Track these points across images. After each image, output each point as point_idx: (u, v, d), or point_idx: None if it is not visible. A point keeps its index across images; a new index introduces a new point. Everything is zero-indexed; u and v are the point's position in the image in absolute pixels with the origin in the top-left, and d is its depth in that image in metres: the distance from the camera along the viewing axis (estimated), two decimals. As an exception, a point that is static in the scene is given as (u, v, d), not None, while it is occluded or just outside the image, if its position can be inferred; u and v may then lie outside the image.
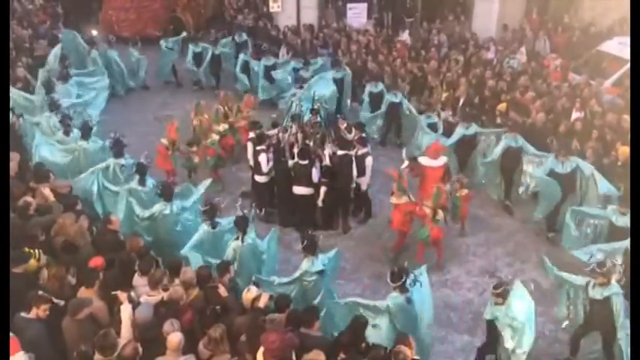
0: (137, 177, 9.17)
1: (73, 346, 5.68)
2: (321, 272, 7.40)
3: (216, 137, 11.39)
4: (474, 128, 11.44)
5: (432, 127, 12.19)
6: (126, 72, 15.97)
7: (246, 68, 15.63)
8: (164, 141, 10.84)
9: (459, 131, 11.39)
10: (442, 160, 10.07)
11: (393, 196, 9.33)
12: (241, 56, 15.73)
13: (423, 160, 10.09)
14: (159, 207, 8.47)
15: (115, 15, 19.48)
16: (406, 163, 10.05)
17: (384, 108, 13.15)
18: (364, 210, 10.87)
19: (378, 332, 6.60)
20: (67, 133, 10.60)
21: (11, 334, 5.45)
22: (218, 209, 8.16)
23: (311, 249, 7.42)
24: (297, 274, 7.43)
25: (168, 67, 16.62)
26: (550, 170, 9.74)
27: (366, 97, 13.63)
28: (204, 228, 8.06)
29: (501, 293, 6.80)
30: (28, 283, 6.42)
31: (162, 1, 19.97)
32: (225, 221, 8.16)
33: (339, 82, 14.04)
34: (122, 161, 9.64)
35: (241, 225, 7.72)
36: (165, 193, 8.50)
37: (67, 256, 6.91)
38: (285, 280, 7.50)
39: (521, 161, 10.55)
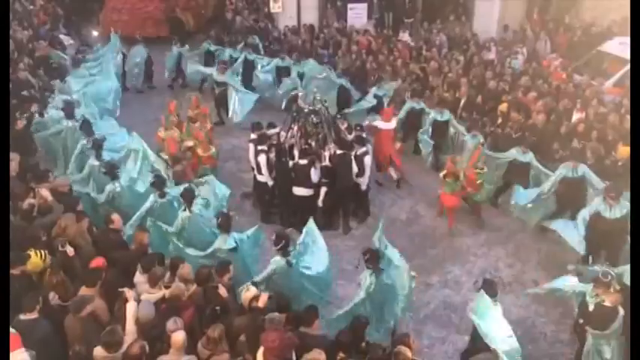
0: (94, 152, 9.61)
1: (75, 344, 5.71)
2: (233, 249, 7.65)
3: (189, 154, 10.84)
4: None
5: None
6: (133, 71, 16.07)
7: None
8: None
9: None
10: (393, 123, 11.77)
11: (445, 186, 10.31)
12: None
13: (379, 124, 11.61)
14: (110, 187, 8.94)
15: (107, 16, 19.47)
16: (366, 122, 11.87)
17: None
18: (363, 209, 10.87)
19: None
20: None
21: (12, 330, 5.46)
22: (165, 183, 8.79)
23: (225, 227, 7.78)
24: (209, 249, 7.79)
25: (171, 64, 16.66)
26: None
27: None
28: (152, 198, 8.59)
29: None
30: (30, 283, 6.44)
31: (159, 2, 19.77)
32: (175, 191, 8.73)
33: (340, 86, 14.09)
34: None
35: (187, 197, 8.22)
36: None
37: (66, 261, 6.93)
38: (201, 253, 7.81)
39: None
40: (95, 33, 18.34)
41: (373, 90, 13.66)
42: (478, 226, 10.63)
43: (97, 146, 9.67)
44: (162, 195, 8.58)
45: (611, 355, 6.68)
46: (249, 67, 15.30)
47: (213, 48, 16.31)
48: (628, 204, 7.98)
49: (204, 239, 8.12)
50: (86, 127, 10.41)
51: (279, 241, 7.42)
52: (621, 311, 6.53)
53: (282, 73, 15.05)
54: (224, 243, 7.69)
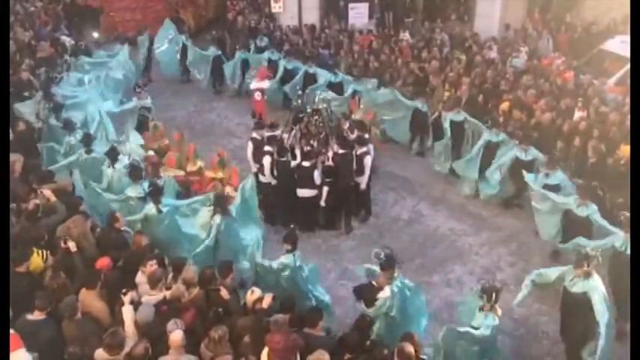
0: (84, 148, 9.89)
1: (69, 345, 5.69)
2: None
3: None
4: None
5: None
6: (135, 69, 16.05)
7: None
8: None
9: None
10: (266, 83, 13.80)
11: None
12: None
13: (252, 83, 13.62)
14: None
15: (119, 15, 19.56)
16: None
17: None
18: (364, 209, 10.90)
19: None
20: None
21: (12, 331, 5.48)
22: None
23: (135, 177, 8.69)
24: (122, 196, 8.66)
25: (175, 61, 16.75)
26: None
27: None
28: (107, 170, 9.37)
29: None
30: (31, 283, 6.45)
31: (165, 2, 20.07)
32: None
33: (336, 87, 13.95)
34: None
35: (155, 194, 8.36)
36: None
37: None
38: (114, 197, 8.72)
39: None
40: (95, 34, 18.34)
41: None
42: None
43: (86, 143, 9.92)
44: (89, 152, 9.73)
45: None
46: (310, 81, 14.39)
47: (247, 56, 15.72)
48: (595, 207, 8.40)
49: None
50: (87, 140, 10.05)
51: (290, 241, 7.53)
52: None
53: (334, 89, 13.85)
54: (135, 191, 8.58)
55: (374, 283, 6.93)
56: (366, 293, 6.92)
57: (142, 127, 12.06)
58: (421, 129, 12.79)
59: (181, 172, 10.43)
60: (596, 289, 6.69)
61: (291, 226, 8.32)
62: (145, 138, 11.21)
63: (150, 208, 8.24)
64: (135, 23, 19.21)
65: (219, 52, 15.93)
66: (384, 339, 6.58)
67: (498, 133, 10.82)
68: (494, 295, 6.57)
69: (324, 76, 14.26)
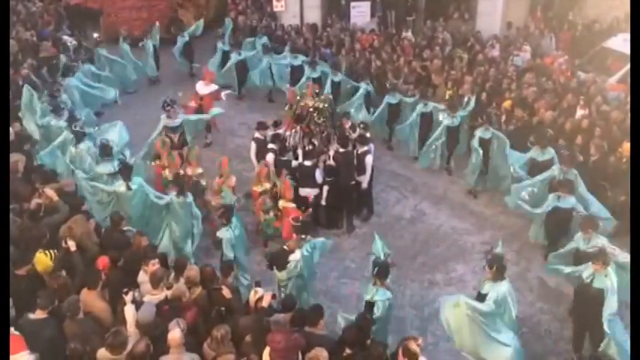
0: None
1: (71, 343, 5.71)
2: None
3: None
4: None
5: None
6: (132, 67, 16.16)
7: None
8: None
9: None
10: (214, 86, 13.17)
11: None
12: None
13: (200, 88, 13.06)
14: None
15: (123, 15, 19.54)
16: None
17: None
18: (366, 208, 10.90)
19: None
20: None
21: (17, 333, 5.49)
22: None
23: (125, 175, 8.88)
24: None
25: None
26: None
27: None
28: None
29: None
30: (32, 283, 6.47)
31: (167, 1, 20.10)
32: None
33: (335, 86, 13.90)
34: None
35: (125, 172, 8.89)
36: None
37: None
38: (84, 175, 9.16)
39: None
40: (95, 35, 18.32)
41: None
42: None
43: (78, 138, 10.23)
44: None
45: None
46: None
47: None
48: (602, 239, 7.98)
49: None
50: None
51: None
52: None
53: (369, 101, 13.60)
54: (105, 169, 8.99)
55: (285, 247, 7.76)
56: (278, 259, 7.66)
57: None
58: (453, 145, 12.17)
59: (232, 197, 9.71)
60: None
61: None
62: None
63: (119, 185, 8.86)
64: (141, 22, 19.19)
65: (242, 57, 15.61)
66: (295, 297, 7.13)
67: (544, 150, 10.18)
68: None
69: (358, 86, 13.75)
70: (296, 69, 15.09)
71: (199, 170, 10.46)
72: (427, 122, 12.37)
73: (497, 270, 6.96)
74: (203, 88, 13.28)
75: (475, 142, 11.19)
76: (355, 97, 13.42)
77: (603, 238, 7.84)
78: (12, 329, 5.53)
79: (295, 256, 7.54)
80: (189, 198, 8.84)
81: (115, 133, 11.02)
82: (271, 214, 9.58)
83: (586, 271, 7.23)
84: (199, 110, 12.76)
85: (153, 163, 10.64)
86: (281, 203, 9.63)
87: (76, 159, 9.92)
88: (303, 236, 7.77)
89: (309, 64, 14.61)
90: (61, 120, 11.09)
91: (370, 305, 6.89)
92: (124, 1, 19.74)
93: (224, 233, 8.21)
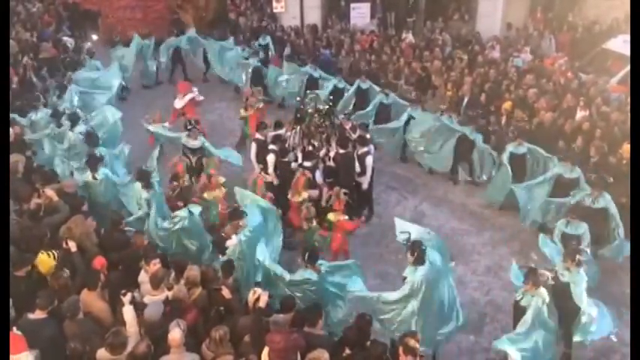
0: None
1: (71, 342, 5.71)
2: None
3: None
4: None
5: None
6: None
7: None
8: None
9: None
10: (189, 95, 12.68)
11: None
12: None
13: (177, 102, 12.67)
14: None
15: (117, 15, 19.42)
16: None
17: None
18: (367, 209, 10.88)
19: None
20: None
21: (18, 332, 5.49)
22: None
23: (144, 180, 8.78)
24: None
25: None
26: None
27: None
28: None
29: None
30: (32, 283, 6.48)
31: (165, 2, 19.90)
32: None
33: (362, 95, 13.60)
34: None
35: (92, 164, 9.29)
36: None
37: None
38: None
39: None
40: (94, 37, 18.33)
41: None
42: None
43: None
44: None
45: None
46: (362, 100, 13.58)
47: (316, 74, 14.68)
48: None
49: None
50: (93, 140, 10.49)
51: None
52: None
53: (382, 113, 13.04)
54: (141, 193, 8.62)
55: (222, 234, 8.00)
56: (217, 245, 8.04)
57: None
58: (467, 157, 11.77)
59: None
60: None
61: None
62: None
63: (87, 176, 9.31)
64: (135, 22, 18.95)
65: (259, 63, 15.43)
66: (242, 281, 7.47)
67: (573, 168, 9.73)
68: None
69: (377, 95, 13.23)
70: (314, 81, 14.49)
71: (218, 193, 9.92)
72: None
73: (418, 256, 7.08)
74: (179, 102, 12.83)
75: (505, 158, 10.71)
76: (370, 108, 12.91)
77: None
78: (14, 329, 5.53)
79: (232, 242, 7.73)
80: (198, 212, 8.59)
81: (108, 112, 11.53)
82: (314, 222, 9.23)
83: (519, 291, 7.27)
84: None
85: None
86: (333, 216, 9.22)
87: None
88: (241, 223, 7.88)
89: (334, 75, 14.36)
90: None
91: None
92: (119, 0, 19.55)
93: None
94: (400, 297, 6.98)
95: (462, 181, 12.04)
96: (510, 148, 10.72)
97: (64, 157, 10.51)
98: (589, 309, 6.99)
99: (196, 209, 8.36)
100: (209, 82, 16.86)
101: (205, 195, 9.64)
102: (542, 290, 6.92)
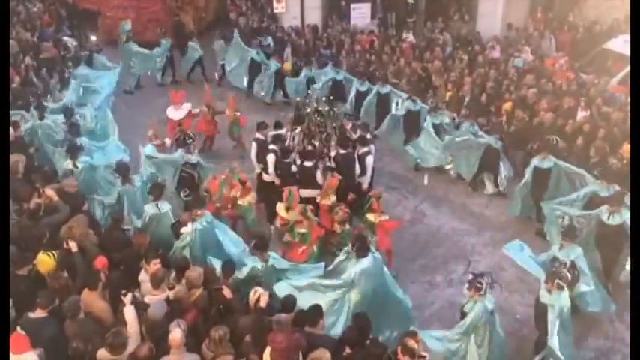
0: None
1: (73, 342, 5.72)
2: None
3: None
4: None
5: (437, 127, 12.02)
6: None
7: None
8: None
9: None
10: (186, 106, 12.38)
11: None
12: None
13: (170, 113, 12.34)
14: None
15: (113, 14, 19.25)
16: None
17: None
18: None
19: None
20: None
21: (22, 332, 5.49)
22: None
23: (156, 195, 8.58)
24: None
25: (189, 64, 16.80)
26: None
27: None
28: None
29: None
30: (33, 282, 6.48)
31: (162, 4, 19.59)
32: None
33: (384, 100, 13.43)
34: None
35: (73, 152, 9.60)
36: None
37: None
38: None
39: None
40: (93, 38, 18.29)
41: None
42: None
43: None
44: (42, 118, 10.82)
45: None
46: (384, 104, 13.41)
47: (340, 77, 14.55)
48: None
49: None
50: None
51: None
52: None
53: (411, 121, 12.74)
54: (154, 209, 8.43)
55: (179, 220, 8.24)
56: (175, 229, 8.23)
57: (185, 184, 10.18)
58: (492, 166, 11.45)
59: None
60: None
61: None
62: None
63: (67, 164, 9.60)
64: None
65: (279, 66, 15.39)
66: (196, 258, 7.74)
67: (609, 186, 9.12)
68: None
69: (398, 99, 13.20)
70: (338, 84, 14.28)
71: (250, 198, 9.97)
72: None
73: (359, 248, 7.44)
74: (175, 113, 12.43)
75: (528, 172, 10.33)
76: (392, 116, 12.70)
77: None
78: (18, 328, 5.54)
79: (186, 229, 7.94)
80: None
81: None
82: (347, 225, 9.17)
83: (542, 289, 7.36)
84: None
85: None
86: (373, 217, 9.10)
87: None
88: (199, 212, 8.09)
89: (358, 78, 13.95)
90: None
91: None
92: (113, 0, 19.42)
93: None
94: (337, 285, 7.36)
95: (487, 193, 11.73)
96: (535, 161, 10.18)
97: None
98: (552, 341, 6.79)
99: (166, 206, 8.53)
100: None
101: (240, 202, 9.73)
102: (488, 297, 6.97)
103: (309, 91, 12.64)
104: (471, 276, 7.07)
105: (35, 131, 10.88)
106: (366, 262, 7.36)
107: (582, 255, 7.87)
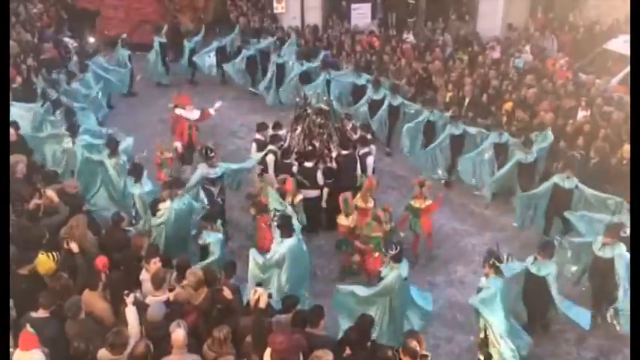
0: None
1: (74, 341, 5.74)
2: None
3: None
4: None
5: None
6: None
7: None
8: None
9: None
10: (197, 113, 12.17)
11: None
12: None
13: (182, 112, 12.12)
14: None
15: (103, 14, 19.13)
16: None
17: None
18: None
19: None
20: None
21: (31, 330, 5.50)
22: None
23: (137, 175, 9.19)
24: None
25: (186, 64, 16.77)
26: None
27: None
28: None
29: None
30: (34, 283, 6.49)
31: (156, 6, 19.26)
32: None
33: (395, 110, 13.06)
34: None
35: (71, 130, 10.25)
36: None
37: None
38: None
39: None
40: (92, 39, 18.27)
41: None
42: None
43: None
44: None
45: None
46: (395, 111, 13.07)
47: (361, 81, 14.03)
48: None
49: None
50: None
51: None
52: None
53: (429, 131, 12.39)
54: (138, 189, 8.98)
55: (159, 197, 8.65)
56: (152, 207, 8.65)
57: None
58: (529, 182, 10.81)
59: None
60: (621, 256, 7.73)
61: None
62: None
63: (67, 142, 10.07)
64: (117, 22, 18.48)
65: (283, 60, 15.38)
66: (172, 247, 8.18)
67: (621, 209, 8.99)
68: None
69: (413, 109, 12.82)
70: (358, 89, 13.85)
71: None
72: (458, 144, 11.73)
73: (284, 228, 7.87)
74: (191, 114, 12.09)
75: (544, 187, 9.95)
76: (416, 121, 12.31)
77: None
78: (27, 326, 5.55)
79: (165, 205, 8.35)
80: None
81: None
82: (393, 223, 9.24)
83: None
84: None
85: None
86: (418, 203, 9.49)
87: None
88: (179, 192, 8.55)
89: (372, 84, 13.32)
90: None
91: None
92: None
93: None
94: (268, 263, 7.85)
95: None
96: (556, 178, 9.79)
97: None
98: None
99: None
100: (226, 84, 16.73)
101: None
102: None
103: (309, 92, 12.66)
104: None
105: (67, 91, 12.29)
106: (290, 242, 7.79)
107: (554, 272, 7.76)
